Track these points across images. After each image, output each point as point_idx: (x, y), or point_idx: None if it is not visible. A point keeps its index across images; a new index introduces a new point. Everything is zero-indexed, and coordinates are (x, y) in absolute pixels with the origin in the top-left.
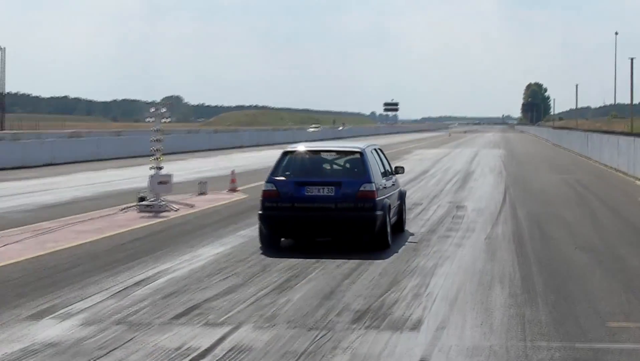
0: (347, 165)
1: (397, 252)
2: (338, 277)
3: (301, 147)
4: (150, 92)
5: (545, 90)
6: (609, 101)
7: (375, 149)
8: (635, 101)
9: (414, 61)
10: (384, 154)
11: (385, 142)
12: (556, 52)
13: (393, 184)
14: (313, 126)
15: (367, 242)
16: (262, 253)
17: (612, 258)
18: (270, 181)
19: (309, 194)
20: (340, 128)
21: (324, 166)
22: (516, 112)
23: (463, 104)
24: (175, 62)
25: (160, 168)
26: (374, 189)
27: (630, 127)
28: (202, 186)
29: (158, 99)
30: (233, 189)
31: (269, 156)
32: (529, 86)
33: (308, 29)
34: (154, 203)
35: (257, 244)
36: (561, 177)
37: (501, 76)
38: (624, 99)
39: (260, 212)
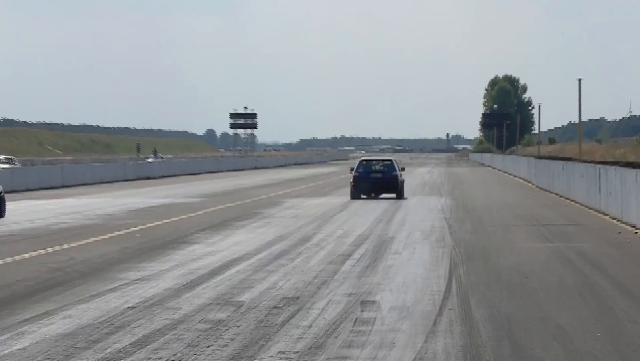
0: (386, 164)
1: None
2: None
3: (365, 158)
4: None
5: (524, 89)
6: (638, 110)
7: (395, 160)
8: None
9: (284, 50)
10: (397, 162)
11: (218, 188)
12: (542, 26)
13: (401, 175)
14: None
15: (395, 197)
16: None
17: None
18: (356, 171)
19: (372, 176)
20: (151, 159)
21: (376, 165)
22: (472, 129)
23: (377, 118)
24: None
25: None
26: (397, 174)
27: None
28: None
29: None
30: None
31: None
32: (494, 83)
33: None
34: None
35: None
36: (552, 248)
37: (446, 69)
38: None
39: (352, 183)
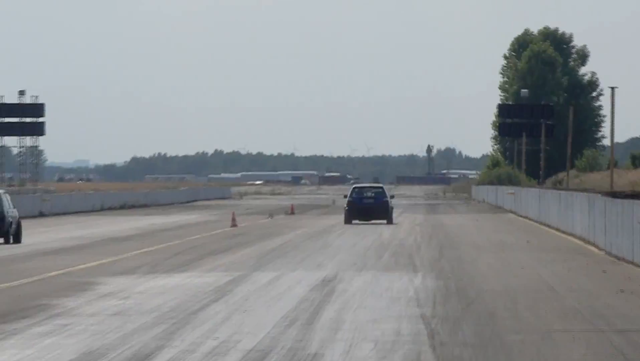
0: (377, 191)
1: None
2: None
3: (358, 185)
4: None
5: (582, 57)
6: None
7: (386, 187)
8: None
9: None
10: (387, 189)
11: None
12: None
13: (391, 200)
14: None
15: (385, 223)
16: None
17: None
18: (350, 197)
19: (365, 202)
20: None
21: (368, 192)
22: (477, 139)
23: (290, 119)
24: None
25: None
26: (388, 200)
27: None
28: None
29: None
30: None
31: None
32: (521, 44)
33: None
34: None
35: None
36: None
37: (424, 23)
38: None
39: (346, 208)
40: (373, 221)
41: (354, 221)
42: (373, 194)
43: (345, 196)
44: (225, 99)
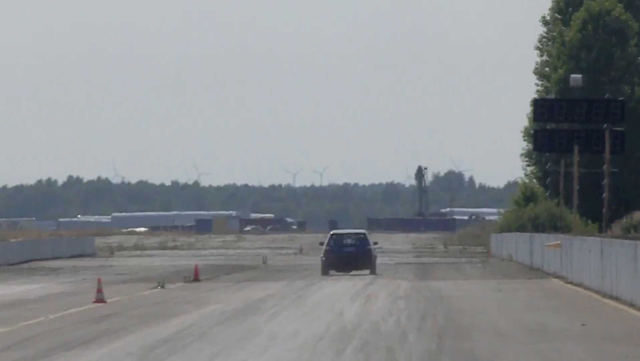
0: (359, 238)
1: None
2: None
3: (337, 232)
4: None
5: None
6: None
7: (368, 233)
8: None
9: None
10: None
11: None
12: None
13: (374, 249)
14: None
15: (368, 273)
16: None
17: None
18: (327, 245)
19: (345, 250)
20: None
21: (348, 239)
22: (499, 156)
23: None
24: None
25: None
26: (370, 248)
27: None
28: None
29: None
30: None
31: None
32: (565, 3)
33: None
34: None
35: None
36: None
37: None
38: None
39: (323, 258)
40: (353, 272)
41: (331, 272)
42: (354, 242)
43: (322, 244)
44: (86, 100)
